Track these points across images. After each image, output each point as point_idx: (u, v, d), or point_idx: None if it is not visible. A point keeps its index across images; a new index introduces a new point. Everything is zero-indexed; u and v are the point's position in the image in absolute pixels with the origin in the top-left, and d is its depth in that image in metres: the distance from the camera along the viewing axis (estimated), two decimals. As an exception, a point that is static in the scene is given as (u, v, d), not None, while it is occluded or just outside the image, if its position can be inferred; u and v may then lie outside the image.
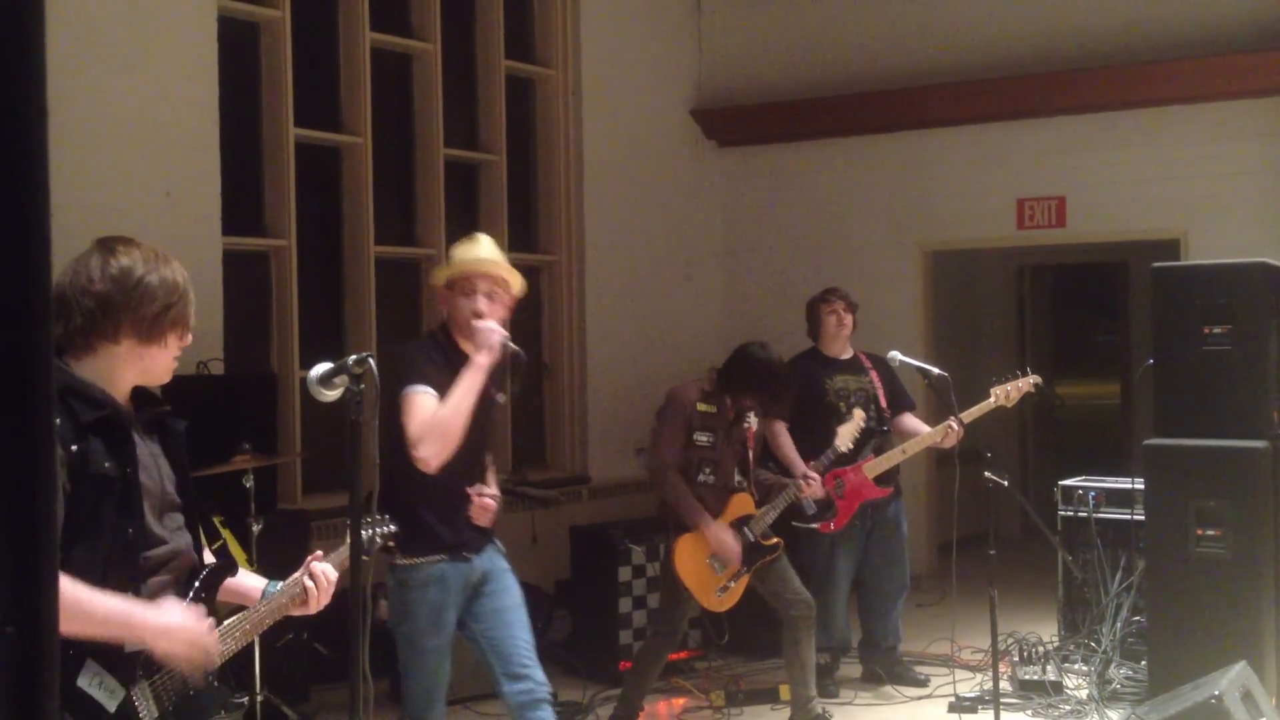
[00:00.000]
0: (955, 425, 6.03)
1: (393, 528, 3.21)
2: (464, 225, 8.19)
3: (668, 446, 5.63)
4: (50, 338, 1.04)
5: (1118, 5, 8.41)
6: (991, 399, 6.19)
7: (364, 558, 3.07)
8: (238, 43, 6.81)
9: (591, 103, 8.68)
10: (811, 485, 5.80)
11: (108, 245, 2.64)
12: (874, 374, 6.56)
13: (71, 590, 2.36)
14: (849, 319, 6.63)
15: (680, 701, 6.44)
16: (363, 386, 2.43)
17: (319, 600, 2.72)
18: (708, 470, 5.67)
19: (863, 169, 9.24)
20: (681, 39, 9.52)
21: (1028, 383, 6.22)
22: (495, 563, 4.24)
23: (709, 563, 5.63)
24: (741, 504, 5.69)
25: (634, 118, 9.05)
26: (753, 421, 5.76)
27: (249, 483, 5.43)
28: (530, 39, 8.65)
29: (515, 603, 4.24)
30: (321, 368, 2.47)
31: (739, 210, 9.70)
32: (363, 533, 3.08)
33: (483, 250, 4.19)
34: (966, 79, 8.71)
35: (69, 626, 2.35)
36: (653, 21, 9.31)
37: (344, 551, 3.00)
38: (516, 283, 4.20)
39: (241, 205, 6.78)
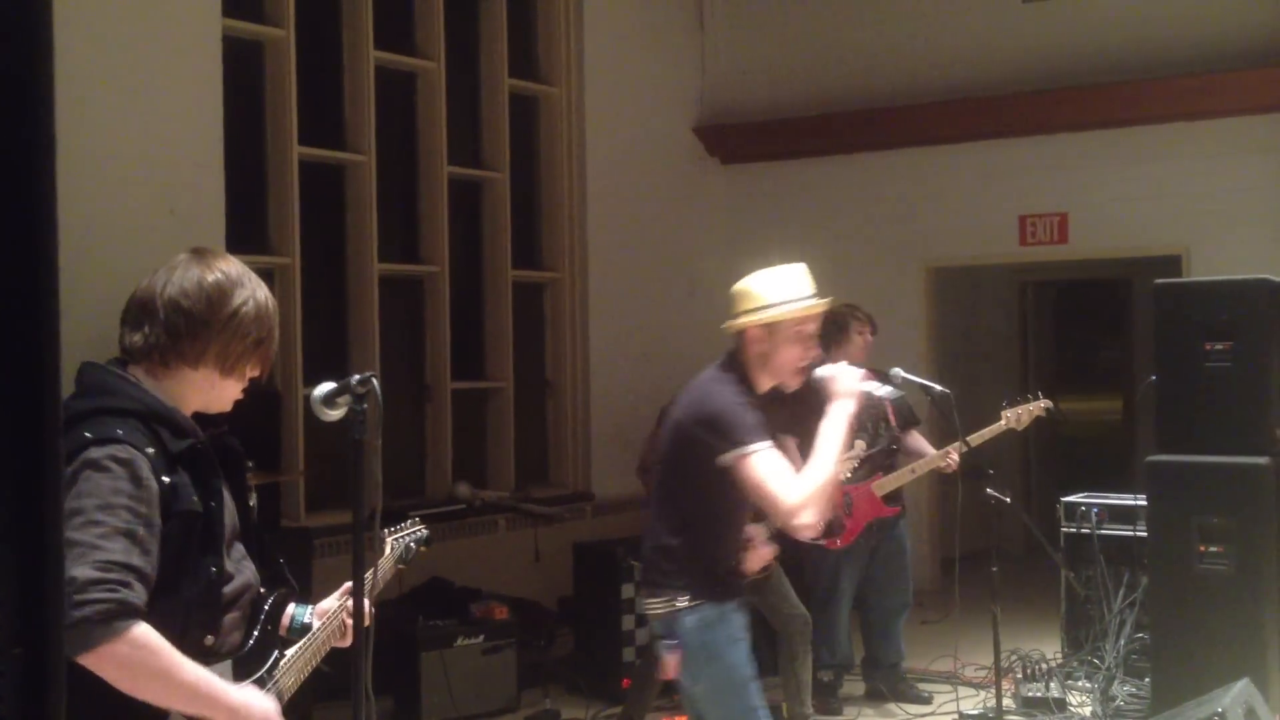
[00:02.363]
0: (957, 449, 6.02)
1: (425, 532, 3.05)
2: (468, 242, 8.23)
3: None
4: (58, 359, 1.04)
5: (1120, 22, 8.43)
6: (1002, 421, 6.21)
7: (402, 565, 2.99)
8: (242, 61, 6.84)
9: (595, 120, 8.71)
10: None
11: (204, 258, 2.46)
12: (884, 391, 6.57)
13: (166, 654, 2.24)
14: (871, 340, 6.64)
15: (681, 719, 6.43)
16: (365, 406, 2.43)
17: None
18: None
19: (865, 186, 9.26)
20: (684, 57, 9.55)
21: (1039, 407, 6.23)
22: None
23: None
24: None
25: (637, 135, 9.07)
26: None
27: (252, 500, 5.43)
28: (534, 57, 8.68)
29: None
30: (325, 387, 2.47)
31: (742, 227, 9.71)
32: (401, 540, 2.98)
33: (812, 285, 3.86)
34: (969, 96, 8.73)
35: (151, 693, 2.25)
36: (656, 40, 9.34)
37: (375, 574, 2.85)
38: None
39: (246, 223, 6.80)
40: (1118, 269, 10.74)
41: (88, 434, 2.26)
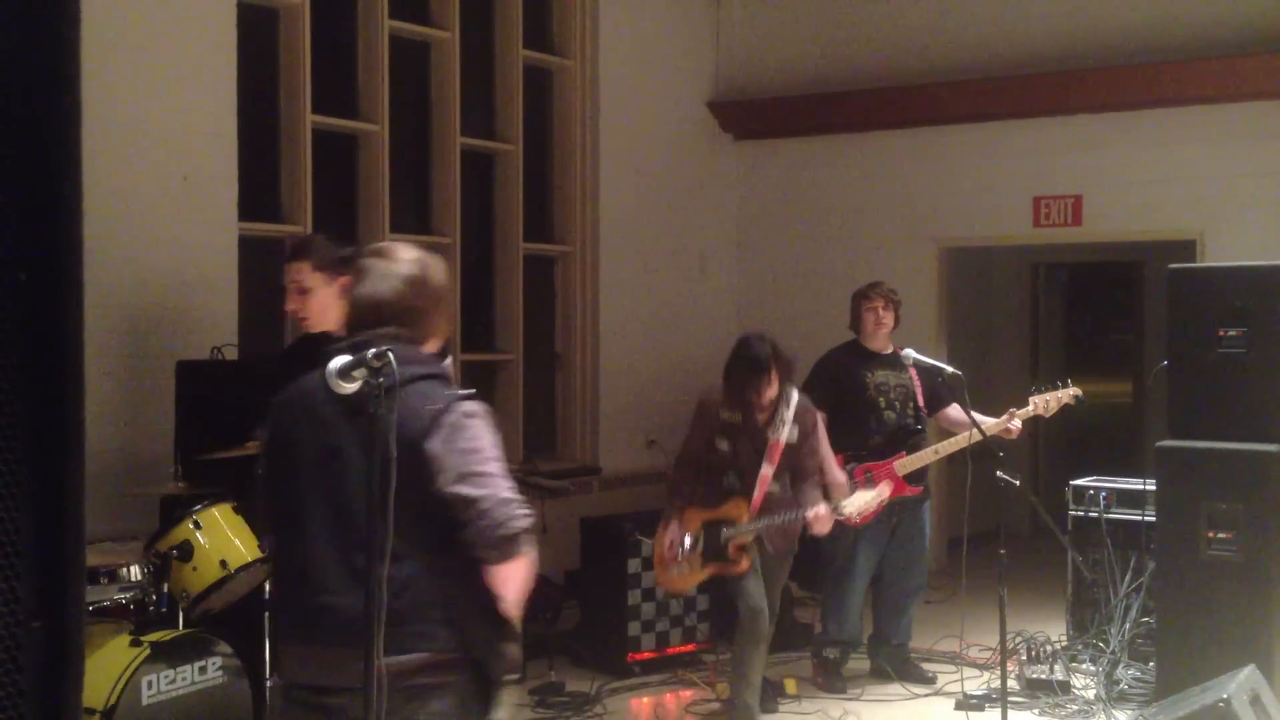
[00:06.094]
0: (1022, 413, 6.13)
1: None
2: (480, 214, 8.22)
3: (686, 443, 5.94)
4: (81, 333, 1.04)
5: (1138, 4, 8.37)
6: (1030, 407, 6.20)
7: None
8: (257, 29, 6.82)
9: (609, 94, 8.67)
10: (818, 522, 5.62)
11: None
12: (913, 371, 6.54)
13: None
14: (888, 317, 6.61)
15: (687, 694, 6.46)
16: (382, 380, 2.43)
17: None
18: (731, 475, 5.79)
19: (879, 165, 9.22)
20: (700, 32, 9.51)
21: (1068, 394, 6.21)
22: None
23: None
24: (733, 508, 5.76)
25: (651, 110, 9.03)
26: (785, 434, 5.73)
27: (261, 469, 5.43)
28: (549, 29, 8.64)
29: None
30: (340, 360, 2.47)
31: (754, 204, 9.69)
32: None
33: None
34: (985, 76, 8.69)
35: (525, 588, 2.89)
36: (671, 14, 9.29)
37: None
38: None
39: (258, 191, 6.79)
40: (1131, 252, 10.69)
41: (448, 391, 2.75)
